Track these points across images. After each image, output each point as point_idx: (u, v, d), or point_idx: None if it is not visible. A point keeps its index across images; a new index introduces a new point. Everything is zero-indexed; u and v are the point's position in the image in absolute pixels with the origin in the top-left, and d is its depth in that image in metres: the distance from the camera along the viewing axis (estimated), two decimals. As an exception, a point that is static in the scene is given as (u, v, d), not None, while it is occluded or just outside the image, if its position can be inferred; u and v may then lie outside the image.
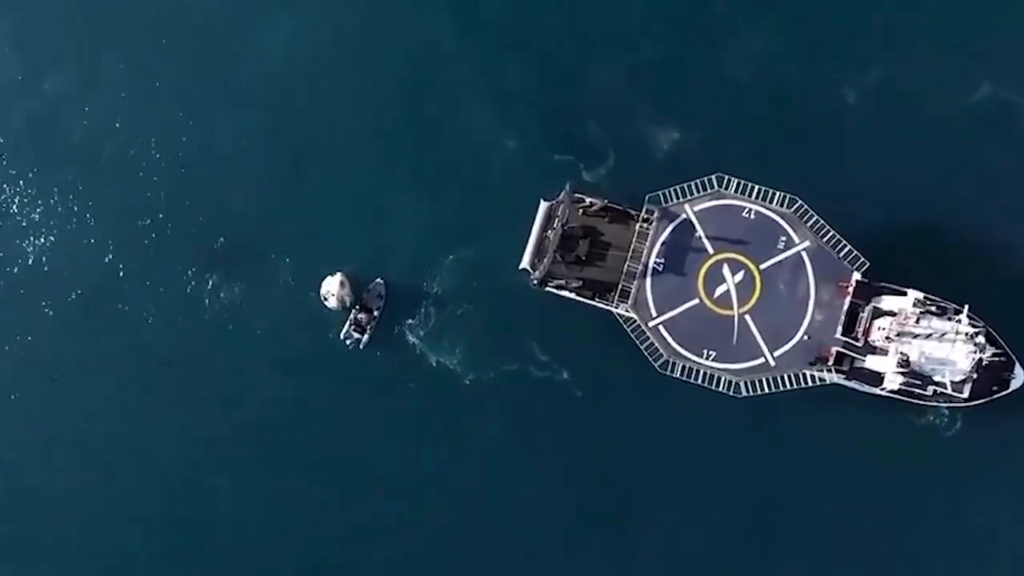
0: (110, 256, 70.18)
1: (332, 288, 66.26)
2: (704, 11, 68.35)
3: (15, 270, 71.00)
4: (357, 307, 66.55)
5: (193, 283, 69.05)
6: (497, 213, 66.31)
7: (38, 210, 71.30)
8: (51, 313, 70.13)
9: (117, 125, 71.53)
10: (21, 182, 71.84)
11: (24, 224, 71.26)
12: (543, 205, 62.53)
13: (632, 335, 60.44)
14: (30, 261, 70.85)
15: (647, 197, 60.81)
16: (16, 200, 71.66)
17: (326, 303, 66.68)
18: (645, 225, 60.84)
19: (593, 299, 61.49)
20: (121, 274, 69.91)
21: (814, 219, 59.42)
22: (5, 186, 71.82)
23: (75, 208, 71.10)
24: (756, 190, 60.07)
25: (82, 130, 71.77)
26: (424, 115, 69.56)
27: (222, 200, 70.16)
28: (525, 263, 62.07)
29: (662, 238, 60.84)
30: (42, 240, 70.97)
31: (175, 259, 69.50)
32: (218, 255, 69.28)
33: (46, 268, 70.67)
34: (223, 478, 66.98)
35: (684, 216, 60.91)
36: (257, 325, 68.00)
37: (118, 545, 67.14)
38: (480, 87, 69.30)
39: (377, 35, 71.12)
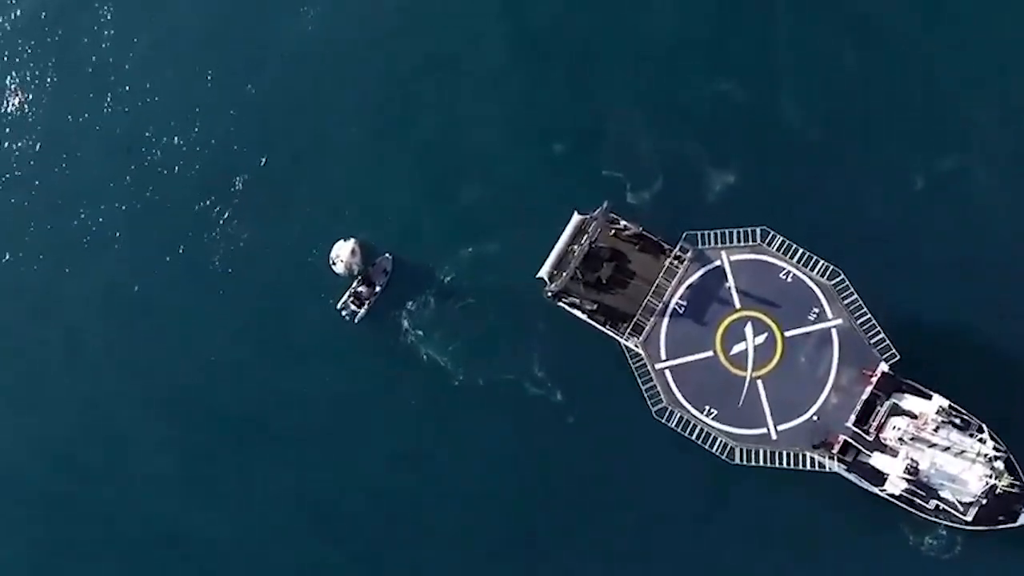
0: (115, 177, 68.70)
1: (342, 254, 63.90)
2: (790, 70, 64.95)
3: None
4: (360, 278, 63.97)
5: (199, 212, 67.02)
6: (528, 215, 63.39)
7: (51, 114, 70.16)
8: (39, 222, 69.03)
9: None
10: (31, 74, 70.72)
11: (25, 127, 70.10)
12: (575, 217, 59.95)
13: (636, 372, 57.38)
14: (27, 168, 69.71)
15: (684, 234, 57.95)
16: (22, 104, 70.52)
17: (333, 267, 64.34)
18: (676, 262, 57.95)
19: (604, 325, 58.59)
20: (123, 195, 68.42)
21: (853, 297, 55.97)
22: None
23: (84, 120, 69.77)
24: (799, 253, 56.85)
25: (111, 37, 70.63)
26: (483, 103, 66.87)
27: (256, 135, 68.15)
28: (543, 272, 59.37)
29: (690, 280, 57.80)
30: (42, 144, 69.67)
31: (189, 184, 67.60)
32: (235, 191, 67.06)
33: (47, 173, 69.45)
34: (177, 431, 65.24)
35: (718, 263, 57.83)
36: (256, 274, 65.76)
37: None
38: (540, 85, 66.70)
39: (453, 12, 68.86)
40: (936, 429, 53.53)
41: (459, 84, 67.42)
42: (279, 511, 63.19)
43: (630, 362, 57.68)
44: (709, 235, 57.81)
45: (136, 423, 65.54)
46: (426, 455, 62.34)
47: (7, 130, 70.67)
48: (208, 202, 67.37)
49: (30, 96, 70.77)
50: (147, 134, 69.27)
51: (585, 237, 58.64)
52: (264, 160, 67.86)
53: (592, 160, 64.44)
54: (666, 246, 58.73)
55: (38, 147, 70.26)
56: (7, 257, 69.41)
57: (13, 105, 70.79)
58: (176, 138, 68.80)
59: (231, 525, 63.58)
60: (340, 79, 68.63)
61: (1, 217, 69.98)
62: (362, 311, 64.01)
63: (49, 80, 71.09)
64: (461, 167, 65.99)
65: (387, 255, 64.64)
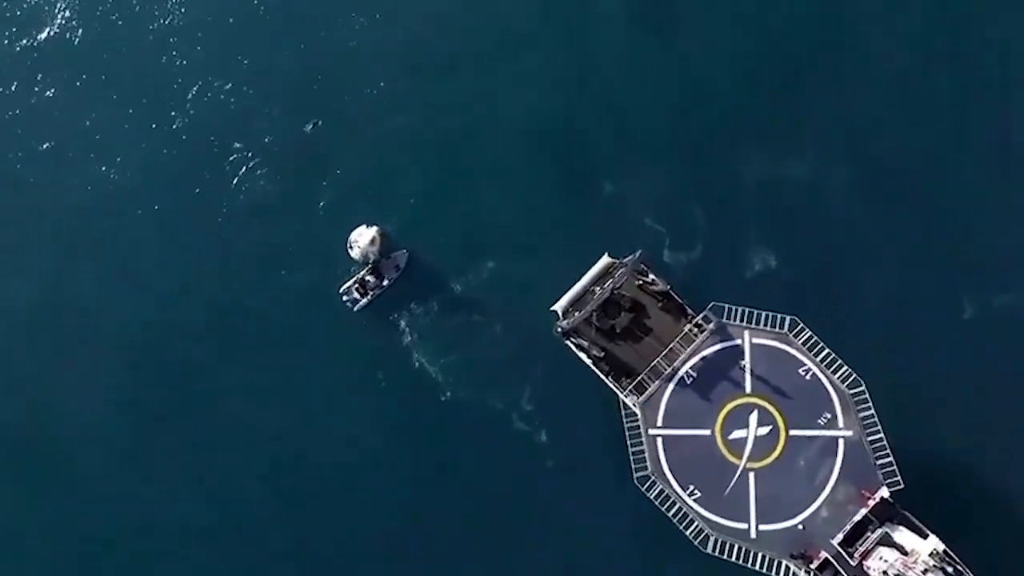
0: (145, 109, 67.84)
1: (362, 240, 61.94)
2: (860, 164, 62.98)
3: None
4: (370, 267, 61.91)
5: (234, 158, 65.98)
6: (559, 246, 62.01)
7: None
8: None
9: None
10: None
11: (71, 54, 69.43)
12: (604, 259, 57.96)
13: (627, 432, 54.45)
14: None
15: (711, 304, 55.38)
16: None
17: (349, 251, 62.42)
18: (695, 330, 55.36)
19: (607, 376, 56.09)
20: (150, 127, 67.51)
21: (869, 411, 52.81)
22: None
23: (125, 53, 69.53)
24: (824, 352, 53.96)
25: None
26: (545, 126, 65.48)
27: (311, 104, 67.01)
28: (558, 307, 57.37)
29: (706, 352, 55.02)
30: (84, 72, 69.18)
31: (222, 128, 66.50)
32: (277, 144, 66.05)
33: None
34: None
35: (738, 342, 55.03)
36: (266, 236, 64.14)
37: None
38: (603, 122, 65.26)
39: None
40: (925, 572, 50.05)
41: (528, 103, 66.10)
42: (218, 484, 60.82)
43: (624, 420, 54.87)
44: (736, 311, 55.19)
45: (84, 357, 63.47)
46: (389, 462, 59.96)
47: (53, 55, 70.19)
48: (246, 145, 66.18)
49: (76, 25, 70.17)
50: (190, 76, 68.67)
51: (610, 282, 56.45)
52: (311, 126, 66.73)
53: (638, 207, 62.75)
54: (689, 311, 56.36)
55: (77, 73, 69.78)
56: (18, 166, 68.44)
57: (59, 26, 70.06)
58: (221, 83, 68.03)
59: (166, 493, 61.13)
60: (411, 71, 67.63)
61: (29, 129, 69.20)
62: (364, 301, 62.02)
63: (100, 11, 70.75)
64: (505, 183, 64.49)
65: (404, 251, 62.78)
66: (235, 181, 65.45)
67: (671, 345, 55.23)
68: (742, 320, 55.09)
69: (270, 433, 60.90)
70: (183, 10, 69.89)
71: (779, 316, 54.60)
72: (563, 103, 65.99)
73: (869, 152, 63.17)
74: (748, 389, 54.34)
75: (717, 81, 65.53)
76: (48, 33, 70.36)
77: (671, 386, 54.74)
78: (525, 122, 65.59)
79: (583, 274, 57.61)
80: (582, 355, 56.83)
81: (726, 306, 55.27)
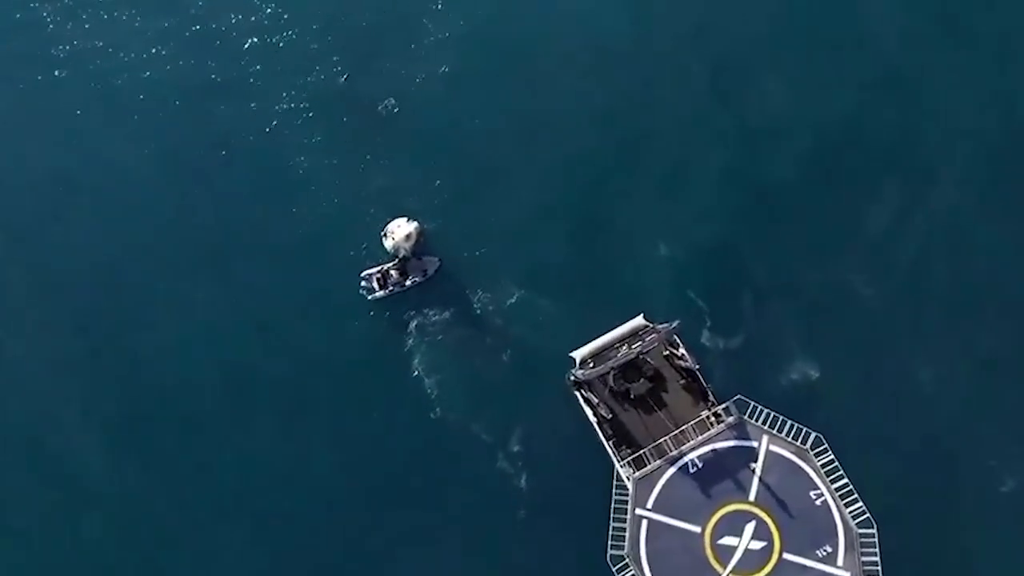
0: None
1: (398, 232, 58.95)
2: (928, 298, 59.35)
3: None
4: (397, 261, 58.85)
5: (288, 107, 63.68)
6: (596, 294, 58.69)
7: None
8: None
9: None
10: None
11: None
12: (638, 320, 54.89)
13: (613, 505, 50.73)
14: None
15: (736, 397, 51.93)
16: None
17: (383, 238, 59.53)
18: (713, 419, 51.89)
19: (608, 439, 52.61)
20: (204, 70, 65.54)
21: (874, 559, 48.77)
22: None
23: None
24: (843, 483, 50.11)
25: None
26: (625, 177, 62.53)
27: (411, 74, 65.10)
28: (577, 354, 54.17)
29: (718, 444, 51.37)
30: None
31: (303, 72, 65.02)
32: (341, 109, 63.68)
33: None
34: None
35: (755, 444, 51.36)
36: (302, 198, 61.58)
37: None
38: (684, 189, 62.07)
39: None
40: None
41: (603, 150, 63.20)
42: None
43: (613, 491, 51.28)
44: (760, 412, 51.61)
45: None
46: (355, 467, 56.36)
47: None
48: (319, 108, 63.99)
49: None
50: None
51: (638, 344, 53.29)
52: (386, 104, 64.37)
53: (687, 278, 59.32)
54: (711, 397, 53.01)
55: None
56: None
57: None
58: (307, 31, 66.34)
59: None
60: (495, 84, 65.04)
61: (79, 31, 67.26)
62: (380, 292, 58.83)
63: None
64: (559, 218, 61.40)
65: (437, 259, 59.62)
66: (285, 133, 63.18)
67: (684, 427, 51.82)
68: (764, 423, 51.47)
69: (222, 394, 58.08)
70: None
71: (804, 429, 50.94)
72: (640, 159, 62.90)
73: (937, 281, 59.50)
74: (752, 497, 50.53)
75: (792, 177, 61.97)
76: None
77: (672, 470, 51.12)
78: (594, 167, 62.61)
79: (612, 329, 54.56)
80: (588, 411, 53.53)
81: (751, 403, 51.79)
